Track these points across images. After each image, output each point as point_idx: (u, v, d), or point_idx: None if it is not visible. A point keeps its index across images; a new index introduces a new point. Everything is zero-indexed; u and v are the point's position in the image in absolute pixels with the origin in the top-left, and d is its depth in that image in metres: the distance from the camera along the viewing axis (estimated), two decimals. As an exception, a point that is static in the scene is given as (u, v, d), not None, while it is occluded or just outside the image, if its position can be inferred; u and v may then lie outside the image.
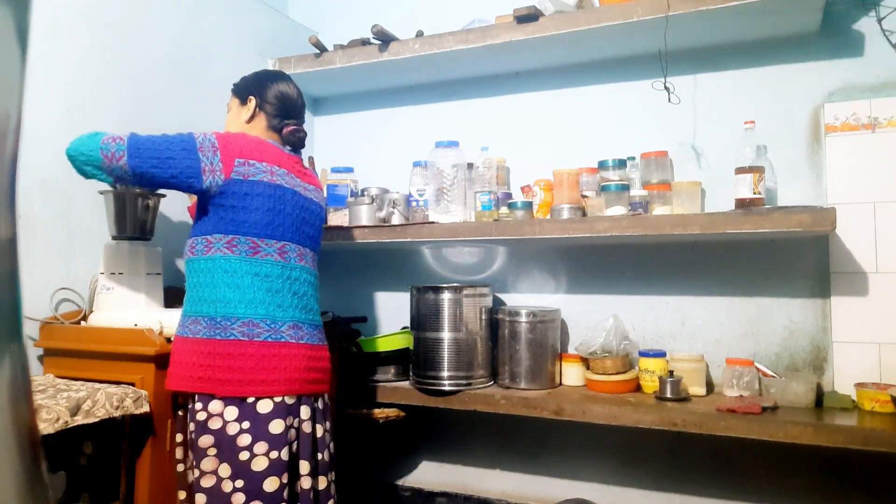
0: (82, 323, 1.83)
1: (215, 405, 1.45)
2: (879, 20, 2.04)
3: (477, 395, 2.13)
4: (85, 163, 1.50)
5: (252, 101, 1.69)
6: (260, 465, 1.43)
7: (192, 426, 1.48)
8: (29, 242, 1.78)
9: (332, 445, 1.64)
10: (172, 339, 1.61)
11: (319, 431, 1.57)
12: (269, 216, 1.54)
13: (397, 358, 2.33)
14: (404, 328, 2.47)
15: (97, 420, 1.48)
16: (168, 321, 1.73)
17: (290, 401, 1.50)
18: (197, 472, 1.44)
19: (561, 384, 2.24)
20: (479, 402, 2.12)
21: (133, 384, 1.63)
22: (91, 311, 1.85)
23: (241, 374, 1.46)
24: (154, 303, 1.87)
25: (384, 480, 2.64)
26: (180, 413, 1.56)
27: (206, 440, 1.44)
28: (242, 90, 1.73)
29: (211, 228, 1.53)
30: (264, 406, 1.46)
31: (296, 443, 1.51)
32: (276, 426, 1.46)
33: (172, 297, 2.01)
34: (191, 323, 1.52)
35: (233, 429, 1.44)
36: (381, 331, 2.66)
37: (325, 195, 2.19)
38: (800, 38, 2.12)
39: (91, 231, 1.93)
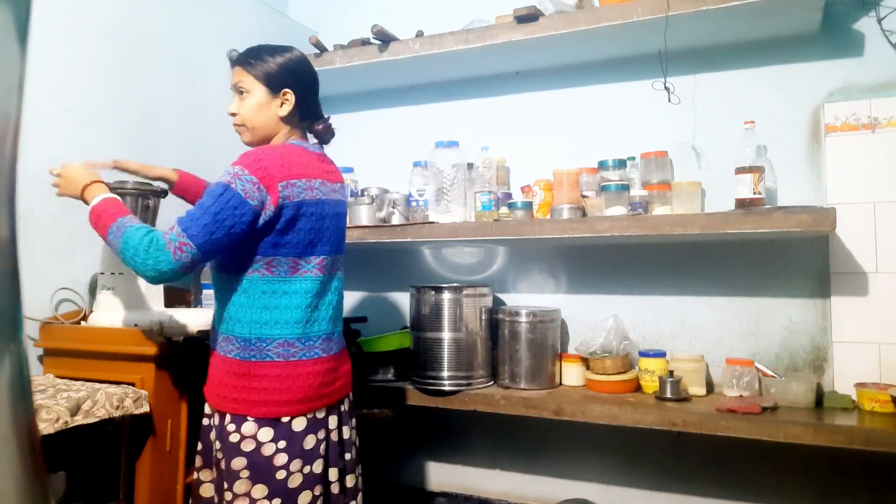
0: (82, 323, 1.83)
1: (249, 427, 1.41)
2: (879, 20, 2.04)
3: (477, 395, 2.13)
4: (167, 280, 1.41)
5: (289, 95, 1.53)
6: (296, 481, 1.41)
7: (218, 444, 1.45)
8: (29, 242, 1.78)
9: (357, 440, 1.64)
10: (170, 338, 1.61)
11: (346, 433, 1.57)
12: (310, 235, 1.47)
13: (397, 358, 2.33)
14: (404, 328, 2.46)
15: (97, 420, 1.48)
16: (169, 321, 1.73)
17: (320, 414, 1.49)
18: (229, 496, 1.41)
19: (561, 384, 2.24)
20: (479, 402, 2.11)
21: (133, 384, 1.63)
22: (91, 311, 1.85)
23: (276, 394, 1.42)
24: (154, 303, 1.87)
25: (384, 480, 2.64)
26: (205, 422, 1.53)
27: (238, 462, 1.40)
28: (271, 76, 1.52)
29: (249, 249, 1.44)
30: (298, 424, 1.44)
31: (326, 453, 1.50)
32: (310, 441, 1.45)
33: (172, 296, 2.01)
34: (223, 340, 1.48)
35: (269, 449, 1.41)
36: (381, 331, 2.66)
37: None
38: (800, 38, 2.12)
39: (91, 231, 1.92)
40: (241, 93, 1.54)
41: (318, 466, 1.45)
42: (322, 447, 1.48)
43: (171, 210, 2.07)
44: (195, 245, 1.35)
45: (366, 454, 2.49)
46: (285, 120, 1.55)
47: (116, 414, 1.53)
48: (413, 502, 2.58)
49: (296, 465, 1.42)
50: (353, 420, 1.63)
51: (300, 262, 1.47)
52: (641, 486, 2.27)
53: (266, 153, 1.44)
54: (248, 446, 1.41)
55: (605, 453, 2.32)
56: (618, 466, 2.31)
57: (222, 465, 1.43)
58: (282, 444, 1.42)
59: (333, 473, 1.51)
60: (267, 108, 1.53)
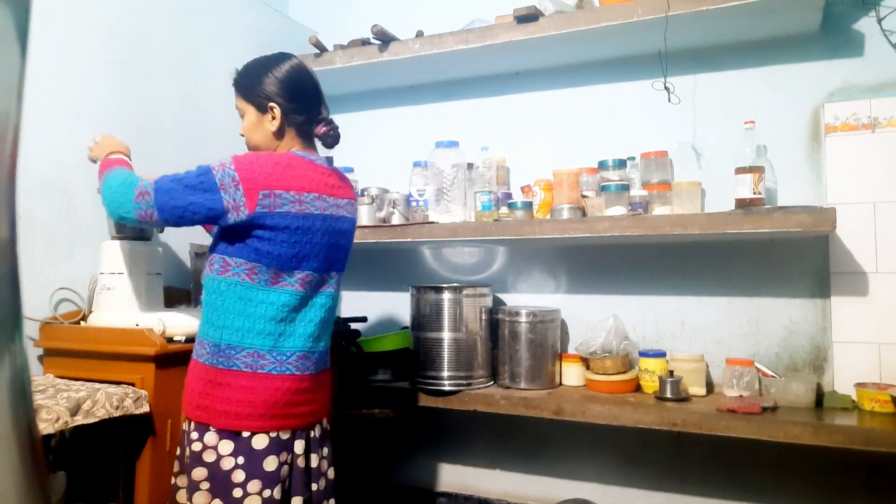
0: (82, 323, 1.83)
1: (210, 437, 1.38)
2: (879, 20, 2.04)
3: (477, 395, 2.13)
4: (124, 219, 1.47)
5: (275, 110, 1.50)
6: (253, 503, 1.37)
7: (187, 451, 1.43)
8: (29, 242, 1.78)
9: (331, 471, 1.57)
10: (172, 338, 1.61)
11: (314, 461, 1.50)
12: (294, 248, 1.43)
13: (397, 358, 2.33)
14: (404, 328, 2.46)
15: (97, 420, 1.48)
16: (169, 321, 1.73)
17: (284, 436, 1.42)
18: None
19: (561, 384, 2.24)
20: (479, 402, 2.11)
21: (133, 384, 1.63)
22: (90, 311, 1.85)
23: (239, 406, 1.38)
24: (154, 303, 1.87)
25: (384, 480, 2.64)
26: (184, 428, 1.50)
27: (199, 473, 1.38)
28: (256, 95, 1.52)
29: (232, 251, 1.44)
30: (260, 442, 1.38)
31: (288, 479, 1.43)
32: (271, 463, 1.39)
33: (172, 297, 2.01)
34: (198, 344, 1.47)
35: (227, 463, 1.37)
36: (381, 331, 2.66)
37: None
38: (800, 38, 2.12)
39: (91, 231, 1.93)
40: (241, 115, 1.57)
41: (277, 492, 1.39)
42: (284, 471, 1.42)
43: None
44: (154, 199, 1.41)
45: (366, 454, 2.50)
46: (279, 134, 1.53)
47: (116, 414, 1.53)
48: (413, 502, 2.58)
49: (254, 485, 1.36)
50: (326, 450, 1.55)
51: (282, 275, 1.44)
52: (641, 486, 2.27)
53: (260, 159, 1.43)
54: (208, 457, 1.38)
55: (605, 453, 2.32)
56: (618, 466, 2.31)
57: (189, 474, 1.41)
58: (240, 459, 1.37)
59: (297, 502, 1.44)
60: (260, 126, 1.53)
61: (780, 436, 1.75)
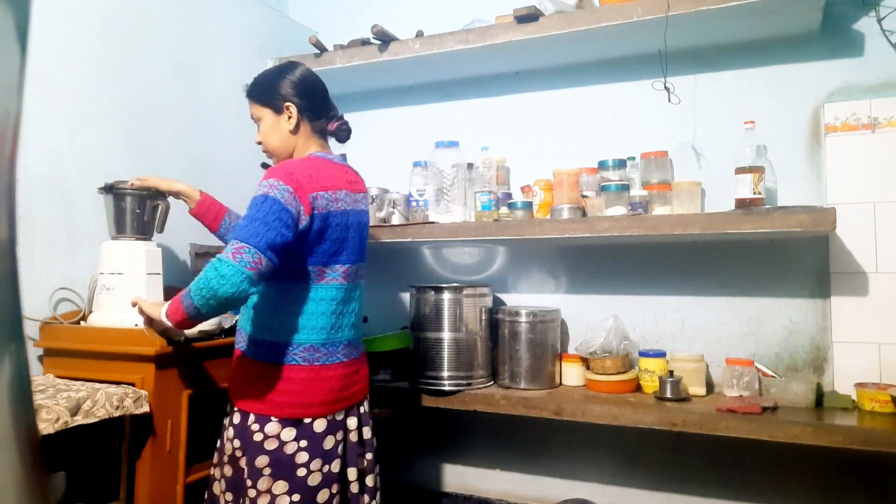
0: (82, 323, 1.83)
1: (272, 427, 1.46)
2: (879, 20, 2.04)
3: (477, 395, 2.13)
4: (243, 290, 1.35)
5: (291, 109, 1.59)
6: (315, 479, 1.47)
7: (237, 442, 1.49)
8: (29, 242, 1.78)
9: (374, 441, 1.68)
10: (173, 338, 1.61)
11: (366, 433, 1.63)
12: (336, 245, 1.53)
13: (397, 358, 2.33)
14: (404, 328, 2.46)
15: (97, 420, 1.48)
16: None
17: (339, 416, 1.55)
18: (253, 492, 1.46)
19: (561, 384, 2.24)
20: (479, 402, 2.11)
21: (133, 384, 1.63)
22: (90, 311, 1.85)
23: (301, 397, 1.48)
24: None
25: (384, 480, 2.64)
26: (225, 420, 1.57)
27: (262, 460, 1.46)
28: (272, 97, 1.60)
29: (278, 257, 1.42)
30: (320, 425, 1.50)
31: (343, 453, 1.55)
32: (329, 442, 1.51)
33: (173, 296, 2.00)
34: (252, 344, 1.53)
35: (291, 448, 1.46)
36: (381, 331, 2.66)
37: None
38: (800, 38, 2.12)
39: (91, 231, 1.93)
40: (257, 121, 1.64)
41: (336, 466, 1.51)
42: (340, 448, 1.53)
43: (174, 210, 2.07)
44: (251, 244, 1.35)
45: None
46: (297, 132, 1.62)
47: (116, 414, 1.53)
48: (413, 502, 2.58)
49: (316, 463, 1.47)
50: (371, 421, 1.67)
51: (326, 270, 1.53)
52: (641, 486, 2.27)
53: (294, 166, 1.51)
54: (270, 445, 1.46)
55: (605, 453, 2.32)
56: (618, 466, 2.31)
57: (242, 462, 1.48)
58: (303, 443, 1.47)
59: (352, 473, 1.56)
60: (277, 127, 1.61)
61: (780, 436, 1.75)
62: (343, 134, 1.69)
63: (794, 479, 2.07)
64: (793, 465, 2.06)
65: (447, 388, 2.15)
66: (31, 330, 1.77)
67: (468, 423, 2.51)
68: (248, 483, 1.46)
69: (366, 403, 1.66)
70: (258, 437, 1.47)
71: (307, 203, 1.45)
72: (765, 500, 2.11)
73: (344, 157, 1.70)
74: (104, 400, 1.51)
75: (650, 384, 2.09)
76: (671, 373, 2.04)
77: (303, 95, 1.61)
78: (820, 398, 1.94)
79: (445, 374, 2.17)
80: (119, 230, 1.86)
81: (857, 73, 2.07)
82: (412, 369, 2.27)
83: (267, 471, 1.45)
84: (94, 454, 1.65)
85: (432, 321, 2.20)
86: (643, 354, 2.14)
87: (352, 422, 1.58)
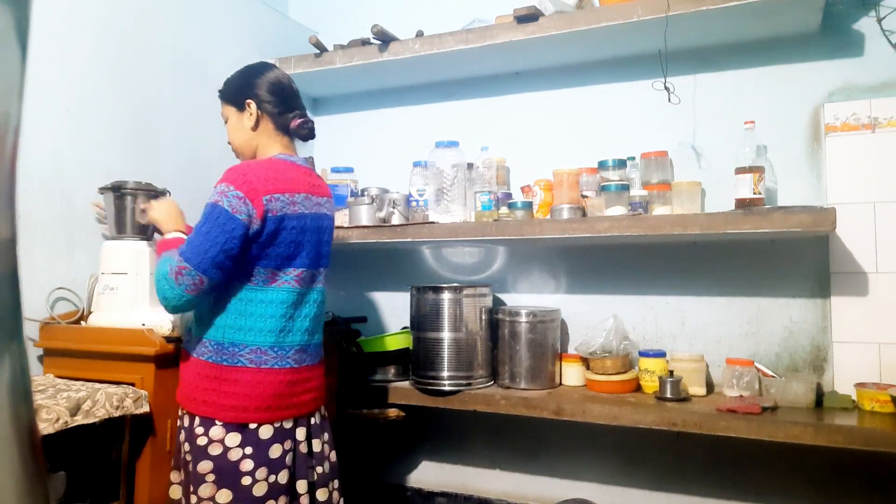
0: (82, 323, 1.83)
1: (216, 431, 1.43)
2: (879, 20, 2.04)
3: (477, 395, 2.13)
4: (180, 307, 1.45)
5: (251, 105, 1.59)
6: (261, 489, 1.42)
7: (186, 446, 1.47)
8: (29, 242, 1.78)
9: (332, 455, 1.62)
10: (170, 338, 1.61)
11: (317, 446, 1.56)
12: (290, 248, 1.50)
13: (397, 358, 2.33)
14: (404, 328, 2.46)
15: (97, 420, 1.48)
16: (168, 321, 1.73)
17: (287, 425, 1.49)
18: (194, 499, 1.42)
19: (561, 384, 2.24)
20: (479, 402, 2.11)
21: (133, 384, 1.63)
22: (89, 312, 1.84)
23: (246, 400, 1.44)
24: (154, 303, 1.86)
25: (384, 480, 2.64)
26: (178, 423, 1.54)
27: (204, 466, 1.42)
28: (235, 95, 1.62)
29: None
30: (266, 432, 1.45)
31: (293, 465, 1.49)
32: (276, 450, 1.45)
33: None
34: (198, 343, 1.50)
35: (235, 454, 1.42)
36: (381, 331, 2.66)
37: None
38: (800, 38, 2.12)
39: (91, 231, 1.93)
40: (225, 121, 1.65)
41: (283, 477, 1.45)
42: (288, 458, 1.47)
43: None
44: (192, 266, 1.39)
45: (366, 454, 2.50)
46: (258, 130, 1.60)
47: (116, 414, 1.53)
48: (413, 502, 2.58)
49: (261, 472, 1.42)
50: (326, 435, 1.61)
51: (278, 274, 1.50)
52: (641, 486, 2.27)
53: (250, 168, 1.49)
54: (215, 450, 1.42)
55: (605, 453, 2.32)
56: (618, 466, 2.31)
57: (190, 467, 1.44)
58: (248, 450, 1.42)
59: (302, 486, 1.50)
60: (240, 125, 1.62)
61: (780, 436, 1.75)
62: (305, 132, 1.63)
63: (794, 479, 2.07)
64: (793, 465, 2.06)
65: (447, 388, 2.15)
66: (31, 330, 1.77)
67: (468, 422, 2.51)
68: (191, 488, 1.43)
69: (318, 416, 1.59)
70: (202, 440, 1.43)
71: (260, 206, 1.43)
72: (765, 500, 2.11)
73: (309, 160, 1.67)
74: (104, 400, 1.51)
75: (650, 384, 2.09)
76: (671, 373, 2.04)
77: (264, 92, 1.59)
78: (820, 398, 1.94)
79: (445, 374, 2.17)
80: (119, 230, 1.86)
81: (857, 73, 2.07)
82: (412, 369, 2.27)
83: (210, 477, 1.41)
84: (94, 454, 1.65)
85: (432, 321, 2.20)
86: (643, 354, 2.14)
87: (301, 432, 1.51)
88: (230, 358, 1.46)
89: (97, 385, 1.58)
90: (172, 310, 1.47)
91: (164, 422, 1.67)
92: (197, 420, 1.45)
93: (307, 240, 1.54)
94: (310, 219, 1.55)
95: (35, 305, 1.78)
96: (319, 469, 1.55)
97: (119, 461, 1.64)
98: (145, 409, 1.60)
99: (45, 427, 1.35)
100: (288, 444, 1.48)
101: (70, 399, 1.44)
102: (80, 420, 1.44)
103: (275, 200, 1.46)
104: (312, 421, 1.57)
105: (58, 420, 1.38)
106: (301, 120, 1.63)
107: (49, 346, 1.78)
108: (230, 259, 1.42)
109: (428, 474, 2.61)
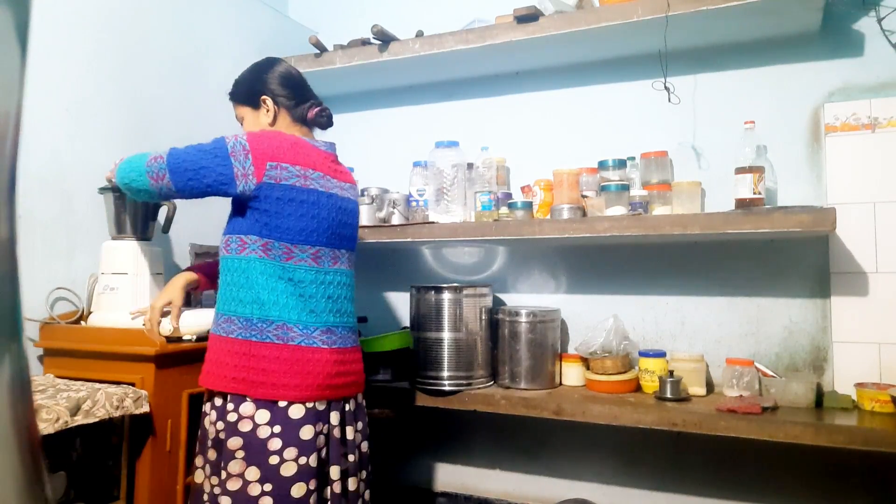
0: (81, 323, 1.83)
1: (247, 407, 1.44)
2: (879, 20, 2.04)
3: (477, 395, 2.13)
4: (137, 189, 1.53)
5: (267, 101, 1.63)
6: (289, 470, 1.42)
7: (220, 425, 1.48)
8: (29, 242, 1.78)
9: (364, 444, 1.63)
10: (182, 337, 1.62)
11: (350, 433, 1.57)
12: (302, 222, 1.51)
13: (397, 358, 2.33)
14: (404, 328, 2.46)
15: (97, 420, 1.48)
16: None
17: (320, 407, 1.49)
18: (224, 475, 1.43)
19: (561, 384, 2.24)
20: (479, 402, 2.11)
21: (133, 384, 1.63)
22: (89, 312, 1.85)
23: (274, 377, 1.45)
24: (154, 303, 1.86)
25: (384, 480, 2.64)
26: (203, 408, 1.56)
27: (234, 442, 1.43)
28: (248, 94, 1.65)
29: (246, 228, 1.50)
30: (296, 411, 1.45)
31: (325, 448, 1.50)
32: (307, 432, 1.45)
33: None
34: (224, 322, 1.52)
35: (264, 432, 1.43)
36: (381, 331, 2.66)
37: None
38: (800, 38, 2.12)
39: (91, 231, 1.93)
40: (241, 122, 1.69)
41: (313, 460, 1.45)
42: (321, 441, 1.48)
43: (181, 213, 2.06)
44: (167, 162, 1.49)
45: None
46: (276, 125, 1.63)
47: (116, 414, 1.53)
48: (413, 502, 2.58)
49: (290, 452, 1.42)
50: (360, 423, 1.63)
51: (293, 250, 1.51)
52: (641, 486, 2.27)
53: (270, 135, 1.55)
54: (244, 426, 1.44)
55: (605, 453, 2.32)
56: (618, 466, 2.31)
57: (223, 445, 1.46)
58: (277, 428, 1.43)
59: (335, 472, 1.50)
60: (257, 123, 1.65)
61: (780, 436, 1.75)
62: (323, 120, 1.68)
63: (794, 479, 2.07)
64: (793, 465, 2.06)
65: (447, 388, 2.15)
66: (31, 330, 1.77)
67: (468, 422, 2.51)
68: (222, 464, 1.44)
69: (353, 402, 1.60)
70: (232, 417, 1.45)
71: (260, 167, 1.47)
72: (765, 500, 2.11)
73: (331, 145, 1.69)
74: (104, 400, 1.51)
75: (650, 384, 2.09)
76: (671, 373, 2.04)
77: (278, 86, 1.63)
78: (820, 398, 1.94)
79: (445, 373, 2.17)
80: (119, 230, 1.86)
81: (857, 73, 2.07)
82: (412, 369, 2.27)
83: (240, 454, 1.42)
84: (94, 454, 1.65)
85: (432, 321, 2.20)
86: (643, 354, 2.14)
87: (335, 416, 1.52)
88: (259, 334, 1.47)
89: (97, 385, 1.58)
90: (128, 184, 1.54)
91: (165, 422, 1.67)
92: (229, 398, 1.47)
93: (321, 217, 1.55)
94: (325, 196, 1.56)
95: (35, 305, 1.78)
96: (351, 457, 1.56)
97: (119, 461, 1.64)
98: (145, 409, 1.61)
99: (45, 427, 1.35)
100: (320, 427, 1.48)
101: (70, 399, 1.44)
102: (80, 420, 1.44)
103: (281, 169, 1.48)
104: (347, 407, 1.57)
105: (58, 420, 1.38)
106: (318, 108, 1.67)
107: (49, 346, 1.78)
108: (198, 184, 1.47)
109: (428, 474, 2.61)
